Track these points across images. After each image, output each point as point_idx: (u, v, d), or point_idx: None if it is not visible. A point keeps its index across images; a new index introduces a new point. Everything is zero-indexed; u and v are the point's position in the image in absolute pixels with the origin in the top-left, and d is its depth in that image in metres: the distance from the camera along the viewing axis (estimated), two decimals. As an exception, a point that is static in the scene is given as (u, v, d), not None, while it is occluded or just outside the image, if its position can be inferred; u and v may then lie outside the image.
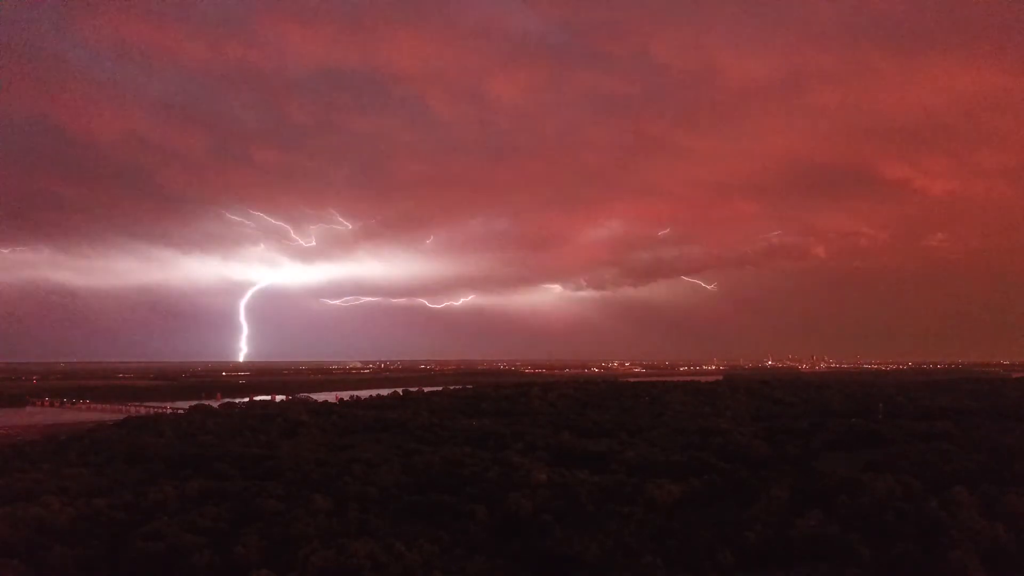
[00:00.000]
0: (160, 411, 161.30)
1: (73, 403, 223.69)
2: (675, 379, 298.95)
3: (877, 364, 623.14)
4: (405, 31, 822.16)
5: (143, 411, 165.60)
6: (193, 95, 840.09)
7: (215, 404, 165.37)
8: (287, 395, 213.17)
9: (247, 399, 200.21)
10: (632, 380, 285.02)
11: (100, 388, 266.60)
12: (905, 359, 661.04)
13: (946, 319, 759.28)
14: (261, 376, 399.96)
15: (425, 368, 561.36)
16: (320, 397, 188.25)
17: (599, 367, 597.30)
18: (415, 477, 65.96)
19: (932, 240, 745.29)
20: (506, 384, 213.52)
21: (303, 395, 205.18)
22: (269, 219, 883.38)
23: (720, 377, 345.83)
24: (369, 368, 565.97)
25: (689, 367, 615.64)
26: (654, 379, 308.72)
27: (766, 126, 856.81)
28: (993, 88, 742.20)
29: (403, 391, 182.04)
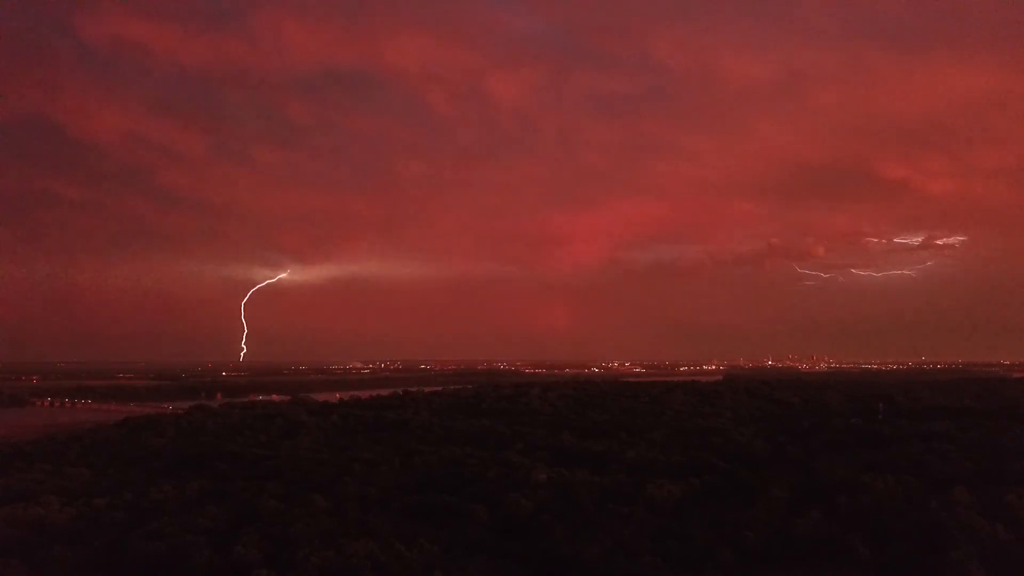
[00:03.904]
0: (160, 411, 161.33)
1: (73, 403, 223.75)
2: (675, 379, 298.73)
3: (877, 364, 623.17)
4: (405, 31, 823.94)
5: (143, 411, 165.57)
6: (193, 95, 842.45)
7: (215, 404, 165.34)
8: (287, 395, 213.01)
9: (247, 399, 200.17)
10: (632, 380, 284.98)
11: (100, 388, 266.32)
12: (905, 359, 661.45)
13: (946, 319, 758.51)
14: (261, 376, 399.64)
15: (425, 368, 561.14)
16: (320, 397, 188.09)
17: (599, 367, 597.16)
18: (415, 477, 65.99)
19: (932, 240, 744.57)
20: (506, 384, 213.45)
21: (303, 395, 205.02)
22: (269, 219, 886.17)
23: (720, 377, 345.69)
24: (369, 368, 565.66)
25: (689, 367, 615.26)
26: (654, 379, 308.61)
27: (766, 126, 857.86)
28: (993, 88, 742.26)
29: (403, 391, 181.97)
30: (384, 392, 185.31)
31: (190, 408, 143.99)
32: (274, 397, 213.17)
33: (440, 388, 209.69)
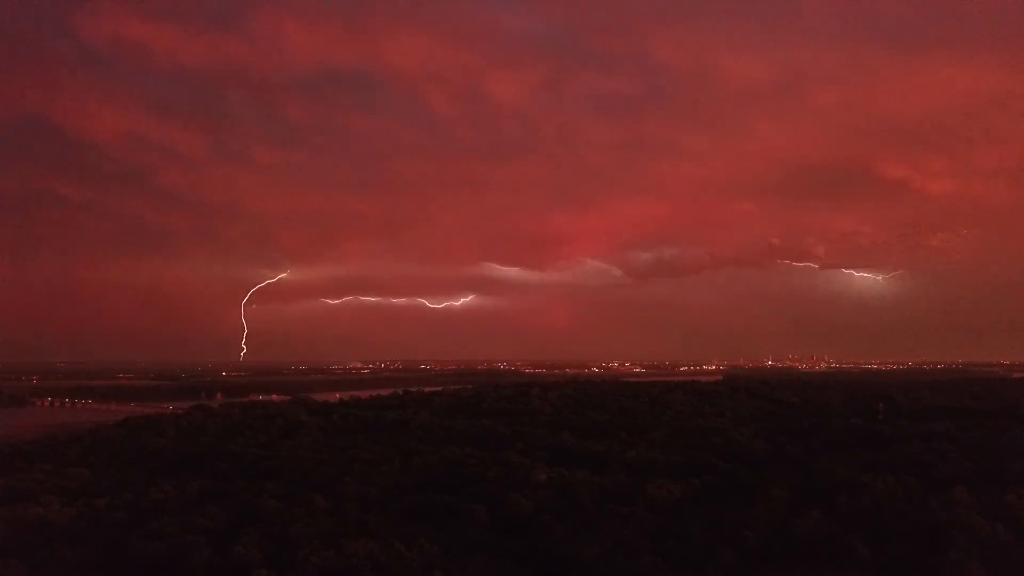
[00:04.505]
0: (160, 411, 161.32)
1: (73, 403, 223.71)
2: (675, 379, 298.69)
3: (877, 364, 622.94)
4: (405, 31, 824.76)
5: (143, 411, 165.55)
6: (193, 95, 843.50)
7: (215, 404, 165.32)
8: (287, 395, 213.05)
9: (247, 399, 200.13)
10: (632, 380, 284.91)
11: (100, 388, 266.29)
12: (905, 359, 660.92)
13: (946, 319, 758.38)
14: (261, 376, 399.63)
15: (425, 368, 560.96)
16: (320, 397, 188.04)
17: (599, 367, 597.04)
18: (415, 477, 65.98)
19: (932, 240, 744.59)
20: (506, 384, 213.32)
21: (303, 395, 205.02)
22: (269, 219, 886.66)
23: (720, 377, 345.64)
24: (369, 368, 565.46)
25: (689, 367, 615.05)
26: (654, 379, 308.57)
27: (766, 126, 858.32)
28: (993, 88, 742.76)
29: (403, 391, 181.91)
30: (384, 392, 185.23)
31: (190, 408, 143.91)
32: (274, 397, 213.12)
33: (440, 388, 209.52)
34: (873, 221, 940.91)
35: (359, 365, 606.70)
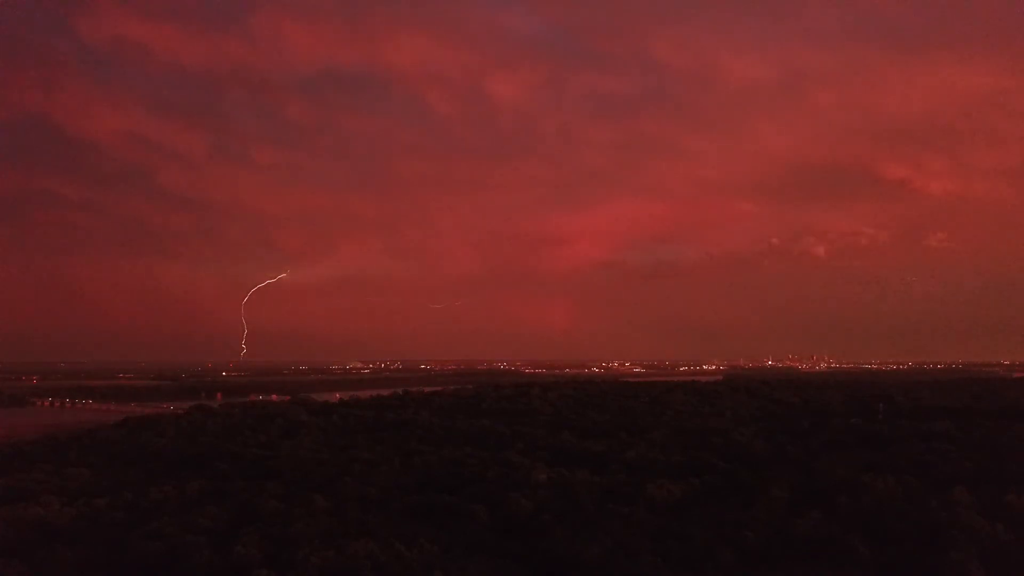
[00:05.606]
0: (160, 411, 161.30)
1: (73, 403, 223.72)
2: (675, 379, 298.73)
3: (877, 364, 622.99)
4: (405, 31, 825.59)
5: (143, 411, 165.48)
6: (193, 95, 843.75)
7: (215, 404, 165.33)
8: (287, 395, 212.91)
9: (247, 399, 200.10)
10: (632, 380, 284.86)
11: (100, 388, 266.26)
12: (905, 359, 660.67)
13: (946, 319, 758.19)
14: (261, 376, 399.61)
15: (425, 368, 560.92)
16: (320, 397, 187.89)
17: (599, 367, 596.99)
18: (415, 477, 65.98)
19: (932, 240, 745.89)
20: (506, 384, 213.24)
21: (303, 395, 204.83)
22: (269, 219, 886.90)
23: (720, 377, 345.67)
24: (369, 368, 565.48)
25: (689, 367, 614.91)
26: (654, 379, 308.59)
27: (766, 126, 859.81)
28: (993, 88, 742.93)
29: (403, 391, 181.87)
30: (384, 392, 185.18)
31: (190, 408, 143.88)
32: (274, 397, 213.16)
33: (440, 388, 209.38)
34: (873, 221, 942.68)
35: (359, 365, 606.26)
